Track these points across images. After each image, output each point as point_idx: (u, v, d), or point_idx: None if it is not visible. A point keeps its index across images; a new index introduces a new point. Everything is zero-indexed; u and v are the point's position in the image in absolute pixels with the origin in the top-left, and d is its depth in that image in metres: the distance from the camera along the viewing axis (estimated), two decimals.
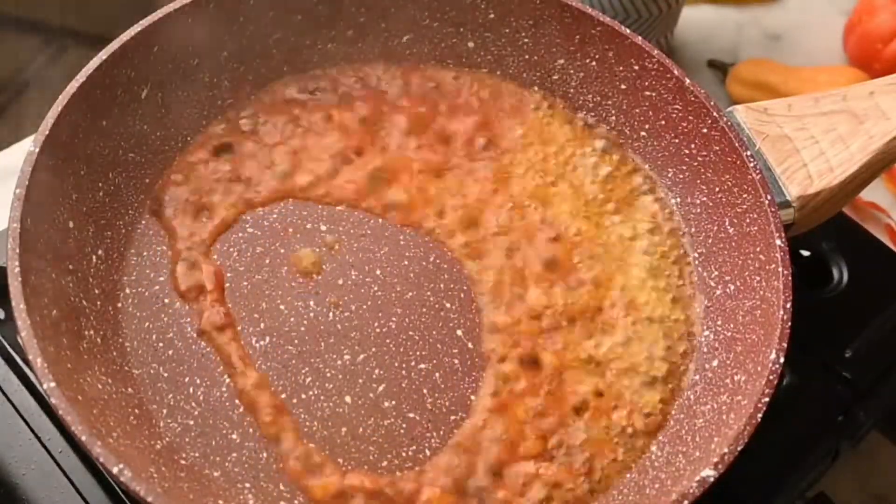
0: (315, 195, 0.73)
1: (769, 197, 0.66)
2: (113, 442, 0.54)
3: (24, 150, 0.61)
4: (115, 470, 0.50)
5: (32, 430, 0.64)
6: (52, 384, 0.52)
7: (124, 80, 0.68)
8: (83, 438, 0.51)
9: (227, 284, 0.67)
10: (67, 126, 0.64)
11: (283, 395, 0.63)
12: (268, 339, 0.65)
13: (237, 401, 0.62)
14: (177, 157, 0.72)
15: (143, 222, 0.69)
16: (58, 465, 0.63)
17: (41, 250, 0.60)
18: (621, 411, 0.65)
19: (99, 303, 0.64)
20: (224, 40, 0.74)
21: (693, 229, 0.73)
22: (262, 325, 0.66)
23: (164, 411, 0.61)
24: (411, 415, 0.63)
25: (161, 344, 0.64)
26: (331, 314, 0.67)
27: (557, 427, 0.64)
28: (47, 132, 0.62)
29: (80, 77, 0.65)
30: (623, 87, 0.76)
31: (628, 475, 0.63)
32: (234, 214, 0.71)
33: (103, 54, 0.66)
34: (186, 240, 0.69)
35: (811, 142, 0.70)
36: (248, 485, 0.59)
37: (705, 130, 0.71)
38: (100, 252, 0.66)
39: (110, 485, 0.63)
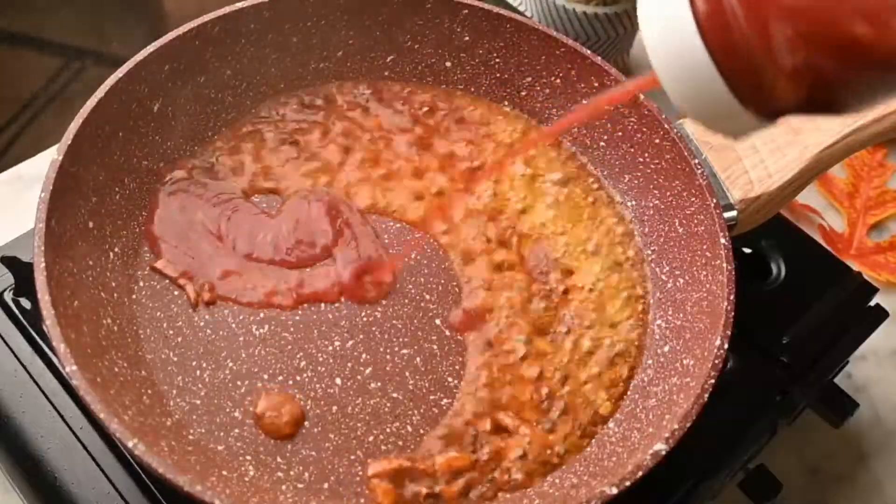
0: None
1: (714, 200, 0.67)
2: (128, 419, 0.54)
3: (49, 158, 0.61)
4: (130, 444, 0.51)
5: (56, 409, 0.64)
6: (74, 367, 0.53)
7: (138, 96, 0.68)
8: (101, 416, 0.51)
9: None
10: (87, 136, 0.64)
11: (280, 378, 0.63)
12: (266, 327, 0.65)
13: (238, 382, 0.63)
14: (185, 165, 0.72)
15: None
16: (79, 440, 0.63)
17: (64, 248, 0.60)
18: (586, 388, 0.66)
19: (115, 294, 0.64)
20: (227, 60, 0.74)
21: (646, 229, 0.73)
22: (261, 315, 0.66)
23: (174, 392, 0.62)
24: (395, 395, 0.64)
25: (171, 331, 0.64)
26: (322, 305, 0.67)
27: (537, 402, 0.65)
28: (69, 142, 0.62)
29: (99, 93, 0.65)
30: (584, 102, 0.76)
31: (588, 449, 0.63)
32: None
33: (119, 72, 0.66)
34: None
35: (752, 151, 0.71)
36: (248, 457, 0.60)
37: (657, 141, 0.71)
38: (116, 249, 0.66)
39: (126, 458, 0.63)
